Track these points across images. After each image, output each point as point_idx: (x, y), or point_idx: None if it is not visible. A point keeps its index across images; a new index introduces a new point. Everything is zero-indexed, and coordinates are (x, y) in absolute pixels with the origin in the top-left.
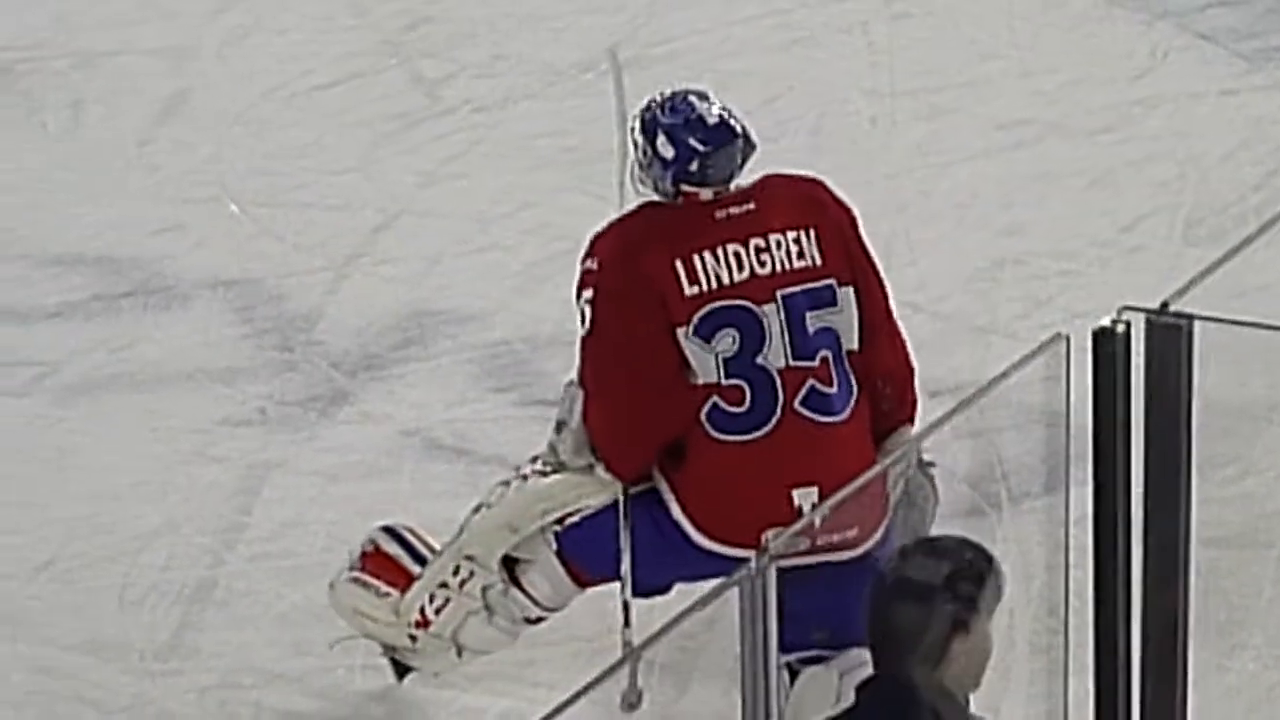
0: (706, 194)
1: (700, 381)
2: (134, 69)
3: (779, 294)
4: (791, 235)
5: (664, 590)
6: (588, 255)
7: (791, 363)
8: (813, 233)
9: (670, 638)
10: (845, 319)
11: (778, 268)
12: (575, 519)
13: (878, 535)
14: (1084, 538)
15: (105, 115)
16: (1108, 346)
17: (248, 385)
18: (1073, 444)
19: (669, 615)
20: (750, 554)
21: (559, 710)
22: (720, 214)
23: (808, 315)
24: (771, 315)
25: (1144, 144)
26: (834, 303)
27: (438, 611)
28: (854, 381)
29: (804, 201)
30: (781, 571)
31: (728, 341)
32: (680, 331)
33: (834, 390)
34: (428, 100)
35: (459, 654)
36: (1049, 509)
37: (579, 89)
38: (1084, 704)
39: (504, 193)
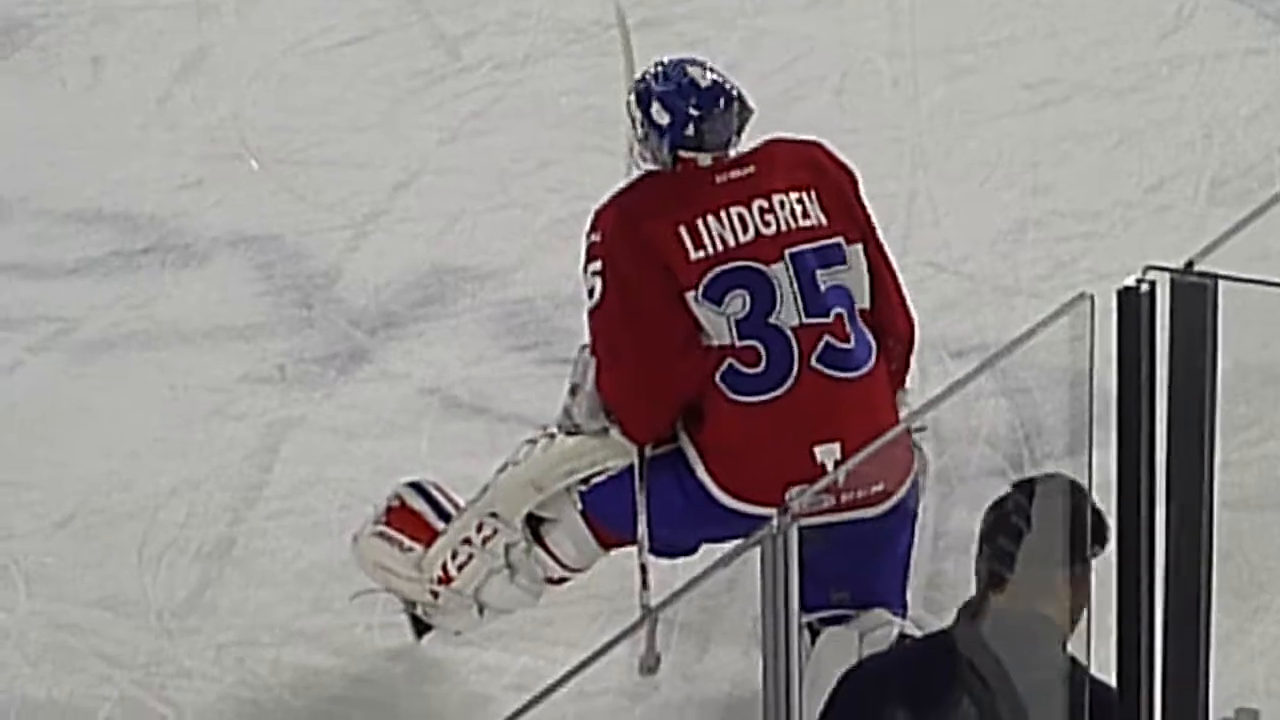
0: (705, 159)
1: (714, 344)
2: (154, 25)
3: (787, 252)
4: (794, 195)
5: (690, 551)
6: (592, 229)
7: (805, 320)
8: (814, 193)
9: (691, 597)
10: (855, 276)
11: (783, 226)
12: (600, 479)
13: (902, 491)
14: (1107, 499)
15: (125, 71)
16: (1132, 306)
17: (267, 343)
18: (1096, 405)
19: (689, 575)
20: (767, 511)
21: (577, 671)
22: (720, 178)
23: (818, 273)
24: (781, 274)
25: (1170, 104)
26: (843, 261)
27: (460, 568)
28: (871, 337)
29: (803, 163)
30: (803, 530)
31: (738, 303)
32: (689, 295)
33: (851, 346)
34: (449, 57)
35: (480, 612)
36: (1073, 470)
37: (600, 46)
38: (1106, 667)
39: (525, 150)
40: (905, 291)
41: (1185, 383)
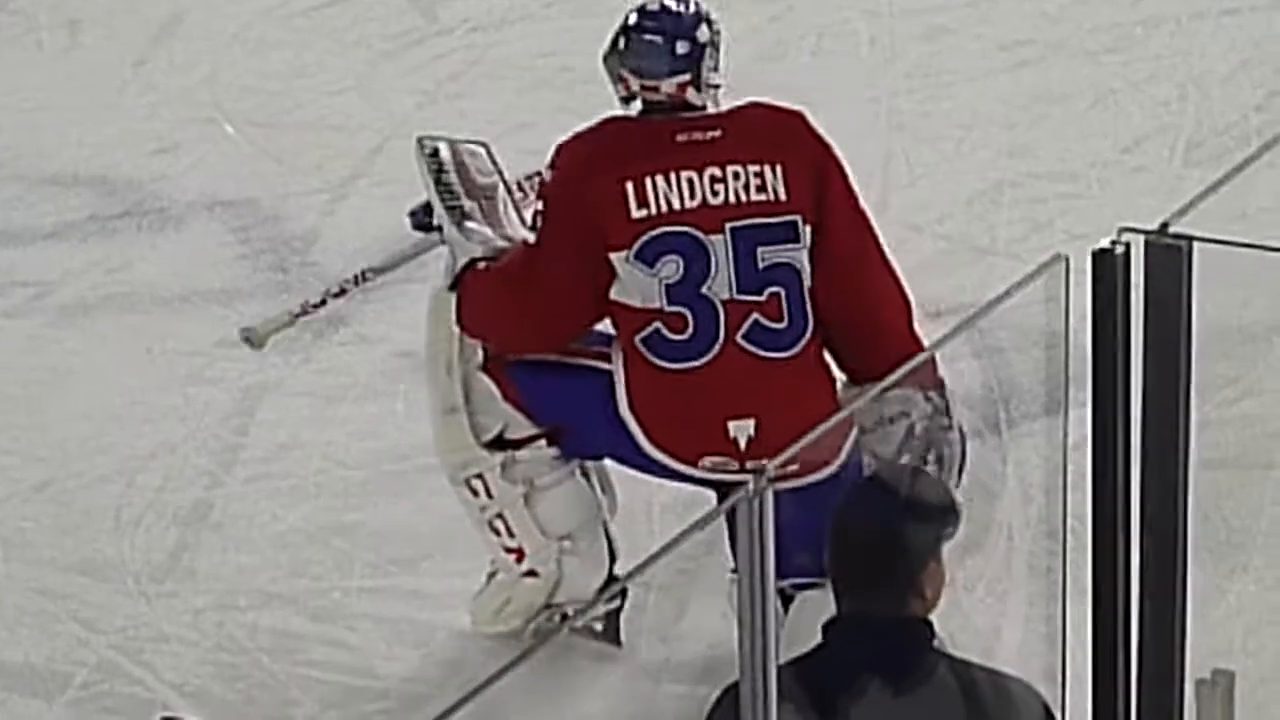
0: (657, 91)
1: (640, 305)
2: None
3: (728, 225)
4: (754, 168)
5: (595, 458)
6: (550, 164)
7: (736, 295)
8: (779, 168)
9: (669, 559)
10: (804, 258)
11: (730, 198)
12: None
13: (831, 468)
14: (1083, 460)
15: (101, 35)
16: (1107, 268)
17: (244, 306)
18: (1072, 366)
19: (665, 539)
20: (686, 469)
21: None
22: (682, 137)
23: (760, 249)
24: (719, 245)
25: (1146, 64)
26: (795, 239)
27: (510, 533)
28: (810, 319)
29: (778, 134)
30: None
31: (672, 268)
32: (619, 255)
33: (782, 326)
34: (425, 20)
35: (567, 541)
36: (1048, 431)
37: (577, 9)
38: (1082, 627)
39: (502, 113)
40: (895, 267)
41: (1160, 343)
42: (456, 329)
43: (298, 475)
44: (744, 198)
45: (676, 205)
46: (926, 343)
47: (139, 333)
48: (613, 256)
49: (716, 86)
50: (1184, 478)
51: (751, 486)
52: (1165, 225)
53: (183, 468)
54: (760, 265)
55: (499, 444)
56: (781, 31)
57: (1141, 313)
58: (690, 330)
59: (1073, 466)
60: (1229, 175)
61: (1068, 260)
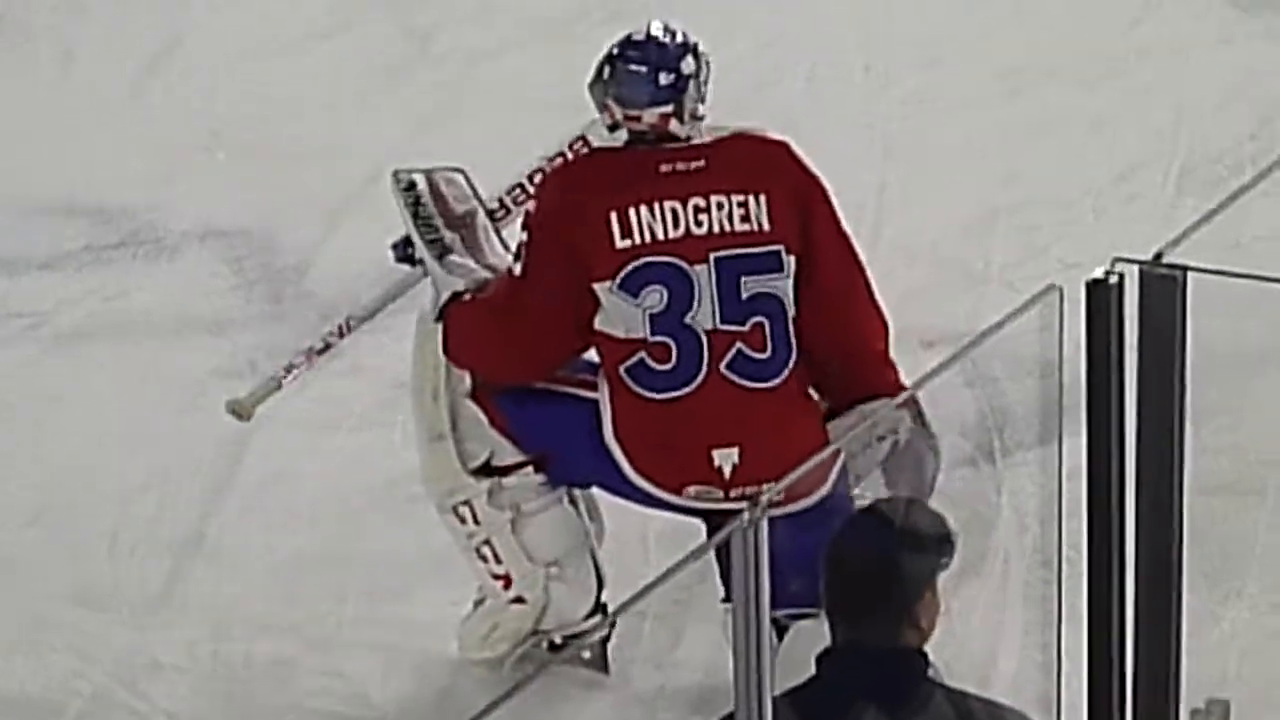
0: (639, 122)
1: (623, 335)
2: (125, 17)
3: (712, 255)
4: (737, 198)
5: (582, 486)
6: (534, 195)
7: (720, 325)
8: (763, 198)
9: (664, 589)
10: (788, 287)
11: (715, 228)
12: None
13: (818, 494)
14: (1078, 488)
15: (96, 64)
16: (1101, 298)
17: (238, 336)
18: (1067, 395)
19: (657, 569)
20: (670, 497)
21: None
22: (665, 168)
23: (743, 279)
24: (703, 275)
25: (1139, 93)
26: (779, 269)
27: (497, 560)
28: (794, 349)
29: (762, 165)
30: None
31: (655, 298)
32: (603, 286)
33: (766, 356)
34: (419, 49)
35: (554, 568)
36: (1043, 460)
37: (569, 38)
38: (1078, 655)
39: (495, 142)
40: (879, 301)
41: (1155, 372)
42: (443, 357)
43: (292, 504)
44: (728, 227)
45: (660, 235)
46: (921, 371)
47: (134, 362)
48: (597, 286)
49: (701, 118)
50: (1178, 505)
51: (746, 517)
52: (1159, 255)
53: (177, 496)
54: (744, 295)
55: (486, 471)
56: (776, 59)
57: (1136, 342)
58: (674, 360)
59: (1068, 495)
60: (1222, 205)
61: (1062, 290)
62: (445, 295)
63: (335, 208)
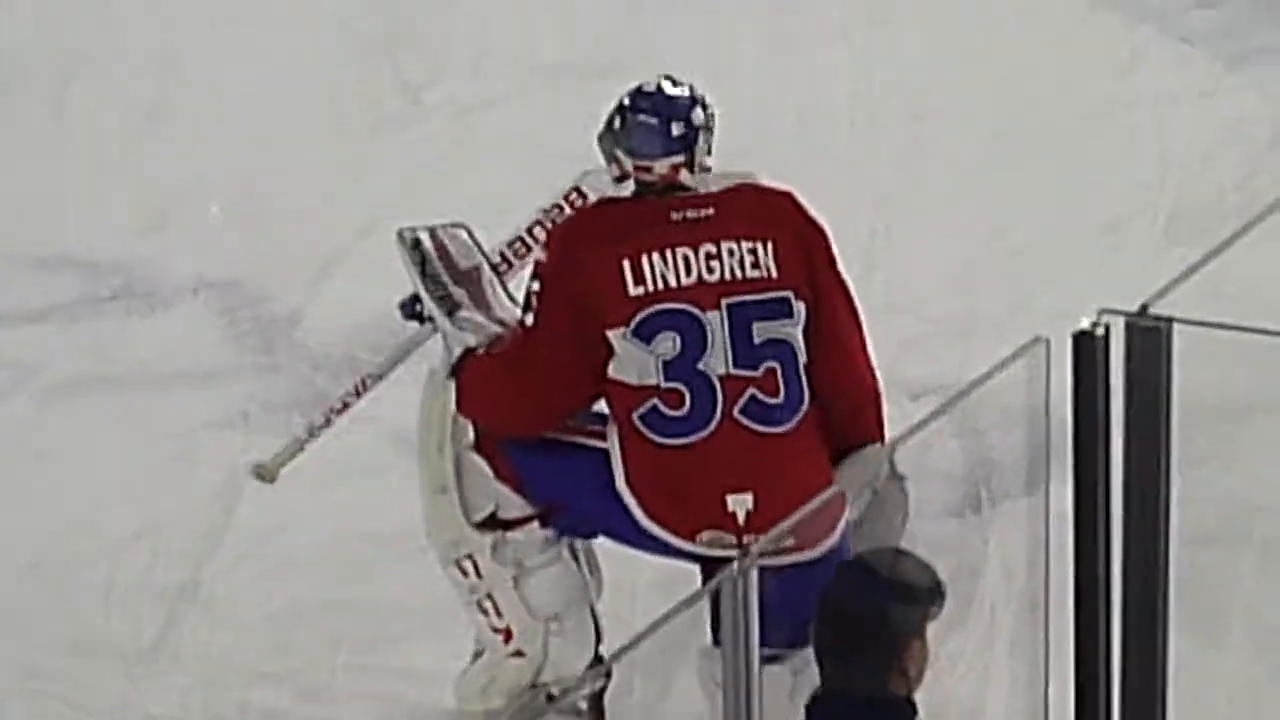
0: (650, 172)
1: (636, 382)
2: (119, 72)
3: (724, 301)
4: (747, 245)
5: (589, 535)
6: (544, 244)
7: (732, 370)
8: (770, 245)
9: (654, 638)
10: (798, 334)
11: (727, 275)
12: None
13: (827, 544)
14: (1065, 536)
15: (89, 118)
16: (1088, 349)
17: (231, 387)
18: (1054, 444)
19: (646, 618)
20: (683, 544)
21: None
22: (676, 215)
23: (755, 325)
24: (715, 322)
25: (1124, 145)
26: (789, 315)
27: (499, 612)
28: (806, 393)
29: (768, 213)
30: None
31: (668, 344)
32: (616, 333)
33: (778, 400)
34: (411, 102)
35: (554, 622)
36: (1030, 508)
37: (560, 91)
38: (1065, 703)
39: (487, 194)
40: (870, 351)
41: (1141, 422)
42: (452, 408)
43: (286, 553)
44: (739, 274)
45: (673, 282)
46: (908, 421)
47: (126, 414)
48: (610, 333)
49: (708, 169)
50: (1164, 554)
51: (736, 565)
52: (1145, 307)
53: (170, 546)
54: (756, 340)
55: (490, 524)
56: (765, 111)
57: (1122, 392)
58: (687, 406)
59: (1055, 543)
60: (1208, 256)
61: (1049, 342)
62: (458, 351)
63: (327, 259)
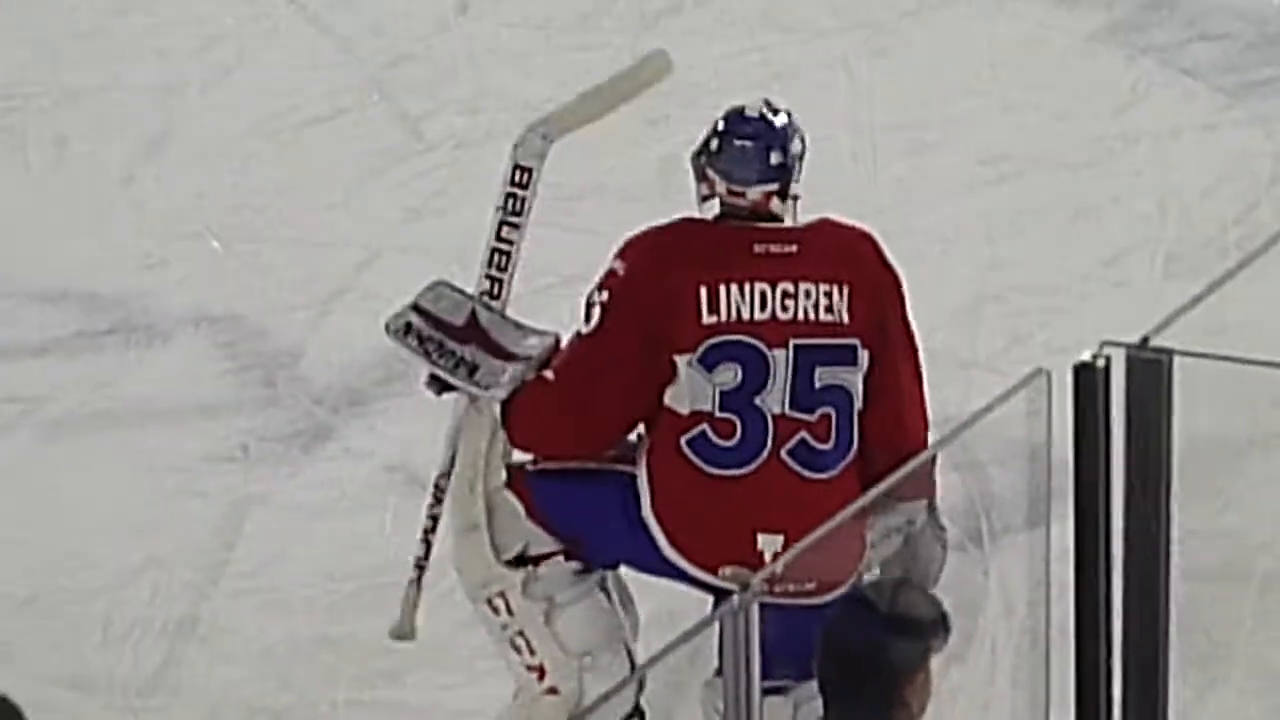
0: (743, 198)
1: (689, 409)
2: (118, 105)
3: (792, 342)
4: (824, 288)
5: (612, 566)
6: (618, 255)
7: (788, 411)
8: (846, 289)
9: (654, 674)
10: (858, 381)
11: (799, 316)
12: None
13: (843, 589)
14: (1065, 572)
15: (89, 151)
16: (1088, 381)
17: (231, 421)
18: (1054, 478)
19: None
20: (704, 575)
21: None
22: (759, 248)
23: (818, 369)
24: (780, 360)
25: (1125, 178)
26: (854, 362)
27: (531, 650)
28: (855, 442)
29: (847, 255)
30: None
31: (730, 375)
32: (684, 359)
33: (828, 447)
34: (411, 136)
35: (588, 658)
36: (1031, 543)
37: None
38: None
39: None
40: (927, 408)
41: (1142, 456)
42: (483, 448)
43: (285, 589)
44: (812, 316)
45: (746, 315)
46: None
47: (126, 448)
48: (677, 358)
49: (797, 198)
50: (1165, 590)
51: (737, 600)
52: (1146, 339)
53: (170, 581)
54: (817, 385)
55: (520, 562)
56: None
57: (1123, 425)
58: (738, 437)
59: (1055, 578)
60: (1209, 289)
61: (1049, 375)
62: (500, 398)
63: (328, 293)
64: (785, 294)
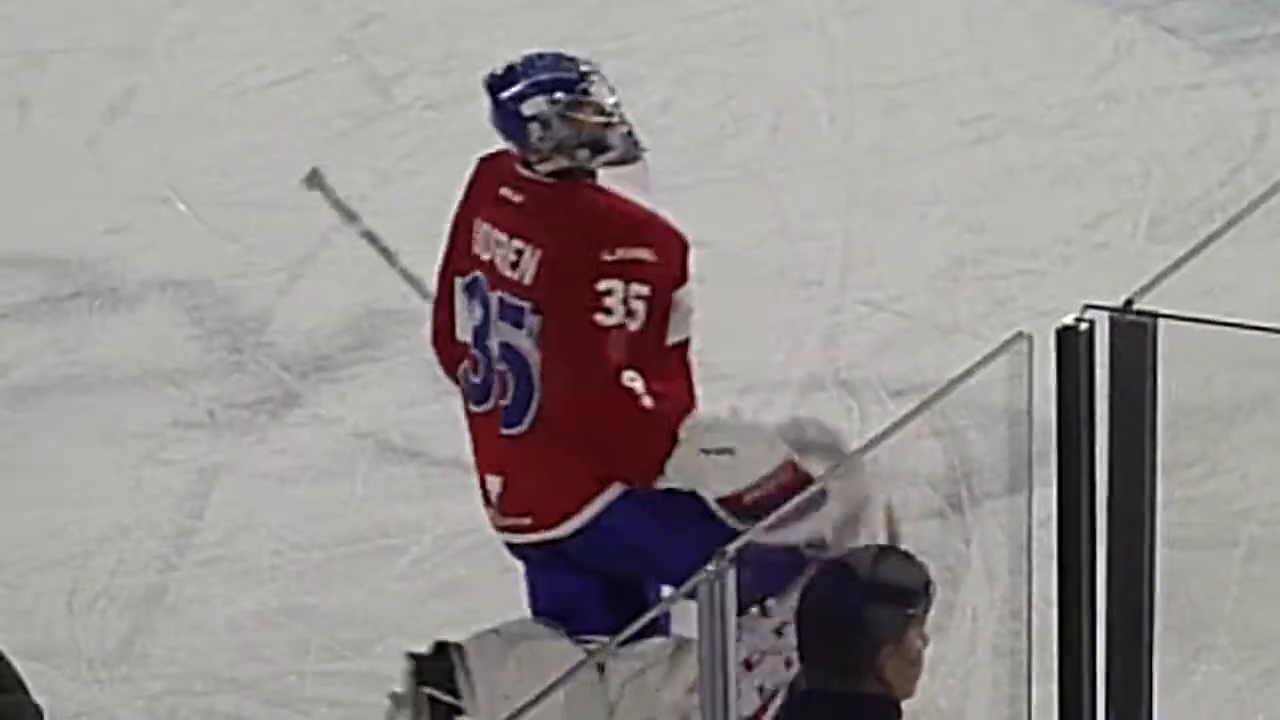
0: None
1: (461, 336)
2: (82, 67)
3: (494, 292)
4: (517, 244)
5: None
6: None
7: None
8: (539, 252)
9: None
10: (529, 346)
11: (496, 265)
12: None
13: (560, 530)
14: (1048, 539)
15: (52, 114)
16: (1071, 345)
17: (197, 387)
18: (1037, 443)
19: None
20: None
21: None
22: (505, 191)
23: (499, 324)
24: (494, 305)
25: (1107, 140)
26: (520, 325)
27: None
28: (533, 403)
29: (556, 218)
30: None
31: (479, 313)
32: (460, 281)
33: (506, 403)
34: (380, 98)
35: None
36: (1012, 510)
37: None
38: (1048, 708)
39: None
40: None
41: (1126, 421)
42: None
43: (252, 558)
44: (503, 271)
45: (483, 256)
46: (887, 421)
47: (92, 414)
48: (456, 279)
49: (623, 161)
50: (1150, 557)
51: (713, 567)
52: (1129, 302)
53: (136, 551)
54: (499, 339)
55: None
56: (740, 108)
57: (1106, 390)
58: (480, 376)
59: (1037, 546)
60: (1193, 252)
61: (1031, 338)
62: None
63: (296, 258)
64: (496, 241)
